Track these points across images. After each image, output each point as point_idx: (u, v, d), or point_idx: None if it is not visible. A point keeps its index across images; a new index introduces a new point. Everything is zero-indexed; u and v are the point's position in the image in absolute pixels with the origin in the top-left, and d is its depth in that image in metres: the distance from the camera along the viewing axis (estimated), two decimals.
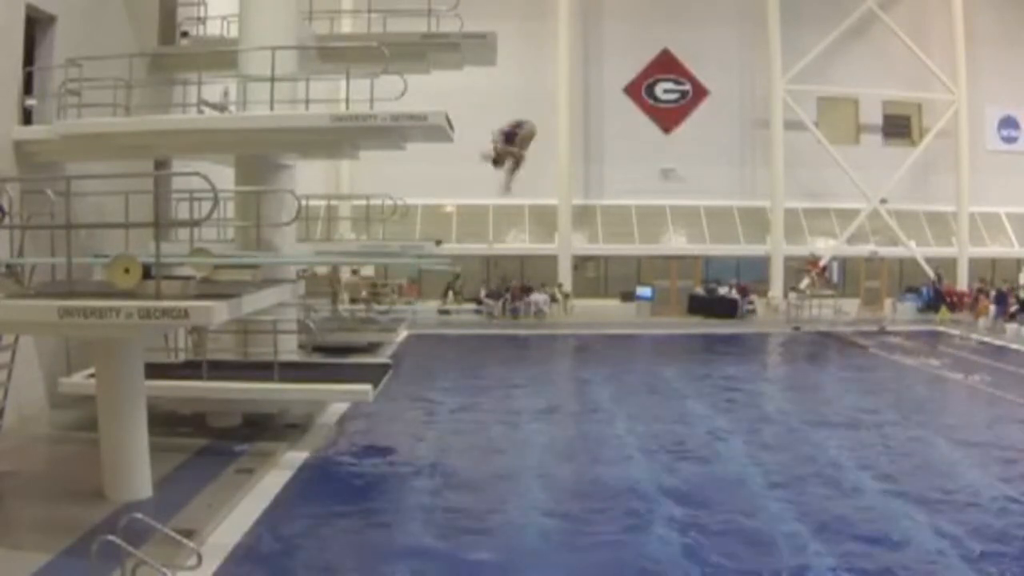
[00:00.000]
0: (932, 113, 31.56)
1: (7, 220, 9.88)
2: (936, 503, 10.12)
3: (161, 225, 9.16)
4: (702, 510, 9.86)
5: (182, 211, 14.61)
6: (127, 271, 8.18)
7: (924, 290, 30.08)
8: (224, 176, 14.86)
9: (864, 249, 30.76)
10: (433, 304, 28.24)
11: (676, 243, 30.58)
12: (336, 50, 15.41)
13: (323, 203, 24.90)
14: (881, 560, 8.38)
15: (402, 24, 17.43)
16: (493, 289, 28.71)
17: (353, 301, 26.06)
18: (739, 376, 19.07)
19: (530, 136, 11.86)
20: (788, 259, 30.14)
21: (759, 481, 11.07)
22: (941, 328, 26.76)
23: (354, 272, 27.88)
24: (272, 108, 12.89)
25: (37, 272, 10.96)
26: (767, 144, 30.25)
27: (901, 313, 29.33)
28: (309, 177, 19.74)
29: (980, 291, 28.17)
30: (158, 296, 8.01)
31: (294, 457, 11.53)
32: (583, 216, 30.38)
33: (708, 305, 28.90)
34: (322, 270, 23.96)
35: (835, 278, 30.98)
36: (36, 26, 13.63)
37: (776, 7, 29.66)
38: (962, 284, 30.27)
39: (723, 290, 29.12)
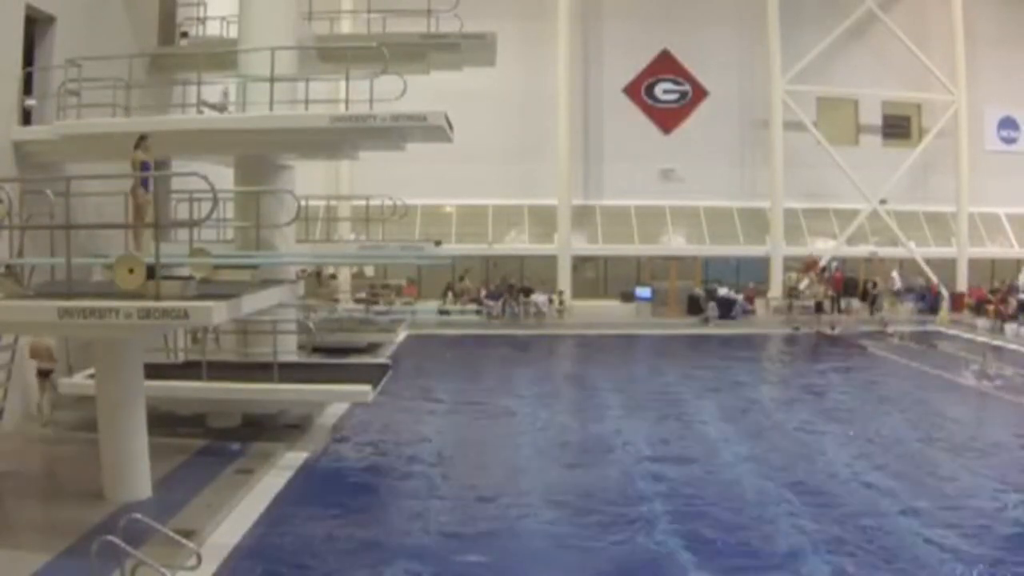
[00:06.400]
0: (932, 113, 31.54)
1: (7, 220, 9.87)
2: None
3: (161, 225, 9.16)
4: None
5: (182, 211, 14.63)
6: (131, 271, 8.17)
7: (924, 292, 30.03)
8: (224, 176, 14.87)
9: (864, 250, 30.74)
10: (433, 304, 28.20)
11: (676, 243, 30.56)
12: (336, 50, 15.40)
13: (323, 203, 24.91)
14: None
15: (402, 24, 17.45)
16: (493, 289, 28.68)
17: (357, 301, 26.07)
18: (748, 382, 19.00)
19: None
20: (788, 259, 30.12)
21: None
22: (941, 328, 26.74)
23: (354, 275, 27.94)
24: (272, 108, 12.90)
25: (37, 272, 10.97)
26: (767, 144, 30.24)
27: (901, 314, 29.26)
28: (309, 177, 19.75)
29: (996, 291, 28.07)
30: (158, 296, 8.01)
31: (293, 457, 11.55)
32: (583, 216, 30.37)
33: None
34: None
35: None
36: (36, 26, 13.63)
37: (776, 7, 29.64)
38: (962, 284, 30.26)
39: (723, 291, 29.09)
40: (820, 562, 8.42)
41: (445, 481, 11.18)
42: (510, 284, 28.71)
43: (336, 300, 23.95)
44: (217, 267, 11.04)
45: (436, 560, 8.48)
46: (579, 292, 29.66)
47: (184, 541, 6.95)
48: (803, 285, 29.47)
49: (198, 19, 17.86)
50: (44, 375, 12.34)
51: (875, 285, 29.16)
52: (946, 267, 30.59)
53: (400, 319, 23.48)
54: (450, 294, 28.76)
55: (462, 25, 16.65)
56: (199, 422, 12.38)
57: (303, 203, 15.01)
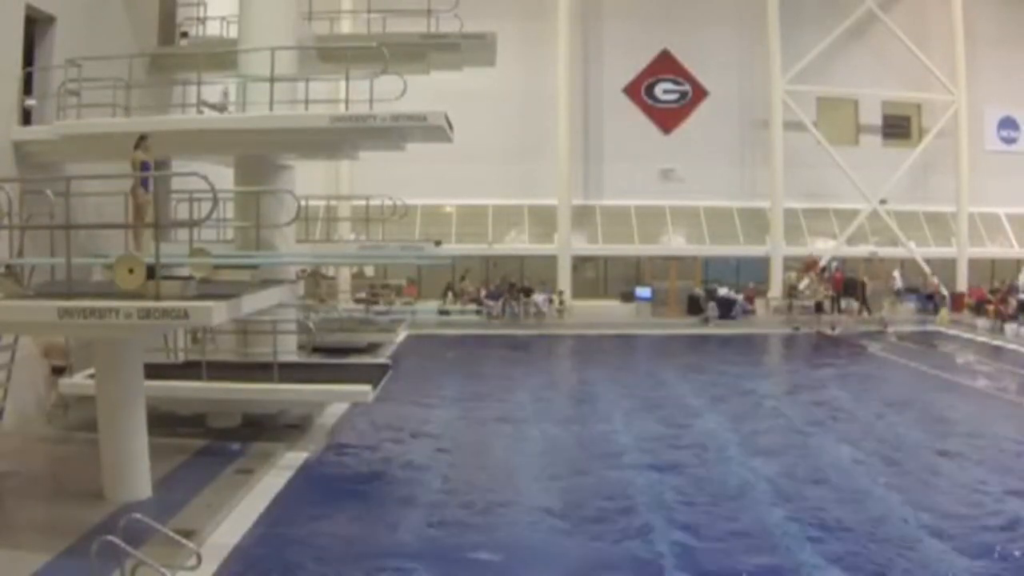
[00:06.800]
0: (932, 113, 31.55)
1: (6, 220, 9.87)
2: None
3: (161, 225, 9.17)
4: None
5: (182, 211, 14.63)
6: (131, 271, 8.18)
7: (932, 294, 29.99)
8: (224, 176, 14.87)
9: (864, 250, 30.73)
10: (433, 304, 28.20)
11: (676, 243, 30.57)
12: (336, 50, 15.39)
13: (323, 203, 24.90)
14: None
15: (402, 24, 17.44)
16: (493, 289, 28.68)
17: (357, 301, 26.05)
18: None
19: None
20: (788, 259, 30.12)
21: None
22: (941, 329, 26.74)
23: (354, 275, 27.93)
24: (272, 108, 12.89)
25: (37, 272, 10.97)
26: (767, 144, 30.23)
27: (901, 314, 29.25)
28: (309, 177, 19.74)
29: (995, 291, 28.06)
30: (158, 297, 8.01)
31: (293, 457, 11.55)
32: (583, 216, 30.37)
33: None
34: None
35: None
36: (36, 26, 13.63)
37: (776, 7, 29.64)
38: (962, 284, 30.25)
39: (723, 291, 29.09)
40: (821, 564, 8.41)
41: (445, 481, 11.18)
42: (511, 283, 28.71)
43: (322, 300, 23.71)
44: (217, 267, 11.04)
45: (436, 560, 8.47)
46: (579, 292, 29.66)
47: (184, 541, 6.94)
48: (803, 285, 29.47)
49: (198, 19, 17.84)
50: (58, 372, 12.36)
51: (863, 285, 29.00)
52: (946, 267, 30.57)
53: (400, 319, 23.47)
54: (450, 294, 28.75)
55: (462, 25, 16.64)
56: (199, 422, 12.37)
57: (303, 203, 15.00)
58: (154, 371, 10.60)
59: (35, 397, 12.69)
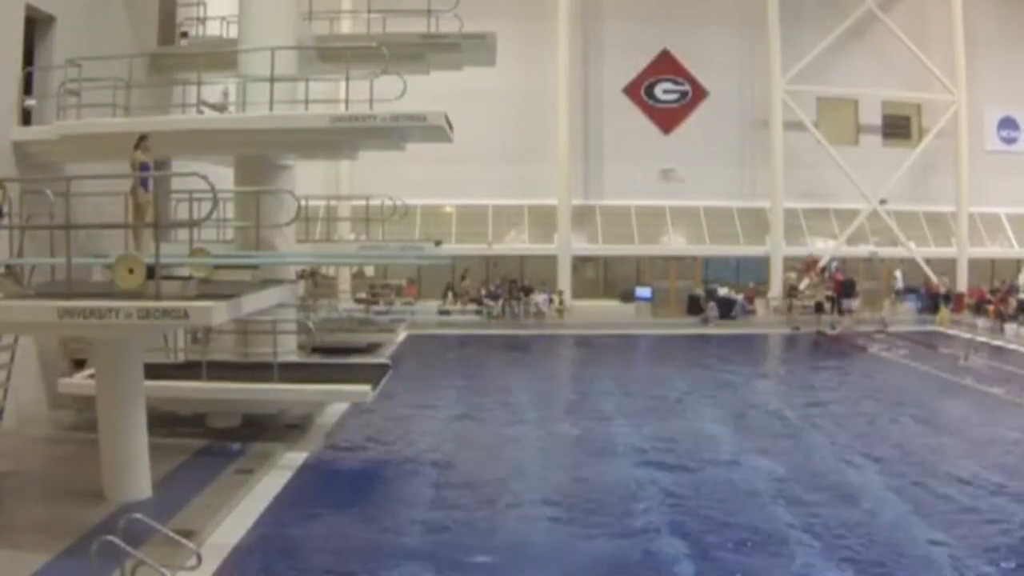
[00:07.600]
0: (931, 113, 31.54)
1: (6, 220, 9.88)
2: None
3: (161, 225, 9.18)
4: None
5: (182, 211, 14.63)
6: (131, 271, 8.18)
7: (921, 291, 30.01)
8: (224, 176, 14.87)
9: (864, 250, 30.74)
10: (433, 304, 28.21)
11: (675, 244, 30.57)
12: (336, 50, 15.40)
13: (323, 203, 24.91)
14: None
15: (402, 24, 17.47)
16: (493, 289, 28.69)
17: (357, 301, 26.07)
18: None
19: None
20: (788, 259, 30.12)
21: None
22: (941, 329, 26.75)
23: (354, 275, 27.95)
24: (272, 108, 12.90)
25: (37, 272, 10.97)
26: (767, 144, 30.23)
27: (901, 314, 29.25)
28: (309, 177, 19.77)
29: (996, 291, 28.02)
30: (158, 297, 8.02)
31: (293, 457, 11.55)
32: (582, 216, 30.37)
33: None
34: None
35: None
36: (36, 26, 13.64)
37: (776, 7, 29.65)
38: (962, 284, 30.26)
39: (723, 291, 29.09)
40: (823, 565, 8.41)
41: (445, 481, 11.16)
42: (512, 281, 28.71)
43: (307, 299, 23.40)
44: (217, 267, 11.05)
45: (436, 560, 8.46)
46: (579, 292, 29.67)
47: (184, 541, 6.94)
48: (803, 285, 29.46)
49: (198, 19, 17.86)
50: (79, 365, 12.37)
51: (853, 284, 28.71)
52: (946, 267, 30.59)
53: (400, 319, 23.47)
54: (450, 294, 28.76)
55: (462, 25, 16.66)
56: (199, 422, 12.37)
57: (303, 203, 15.01)
58: (154, 371, 10.61)
59: (38, 396, 12.70)
